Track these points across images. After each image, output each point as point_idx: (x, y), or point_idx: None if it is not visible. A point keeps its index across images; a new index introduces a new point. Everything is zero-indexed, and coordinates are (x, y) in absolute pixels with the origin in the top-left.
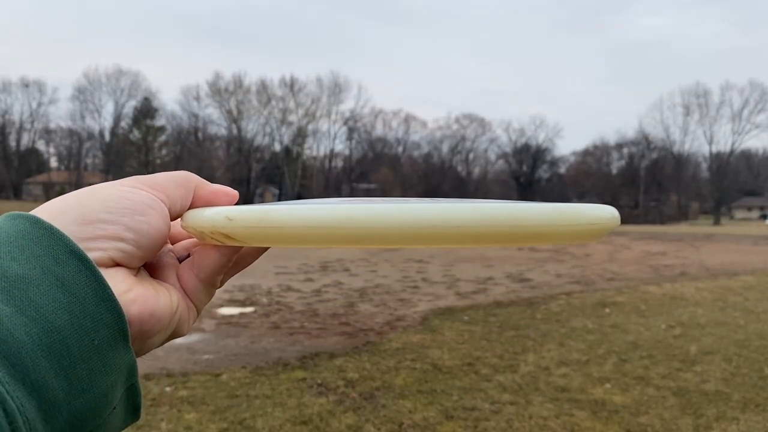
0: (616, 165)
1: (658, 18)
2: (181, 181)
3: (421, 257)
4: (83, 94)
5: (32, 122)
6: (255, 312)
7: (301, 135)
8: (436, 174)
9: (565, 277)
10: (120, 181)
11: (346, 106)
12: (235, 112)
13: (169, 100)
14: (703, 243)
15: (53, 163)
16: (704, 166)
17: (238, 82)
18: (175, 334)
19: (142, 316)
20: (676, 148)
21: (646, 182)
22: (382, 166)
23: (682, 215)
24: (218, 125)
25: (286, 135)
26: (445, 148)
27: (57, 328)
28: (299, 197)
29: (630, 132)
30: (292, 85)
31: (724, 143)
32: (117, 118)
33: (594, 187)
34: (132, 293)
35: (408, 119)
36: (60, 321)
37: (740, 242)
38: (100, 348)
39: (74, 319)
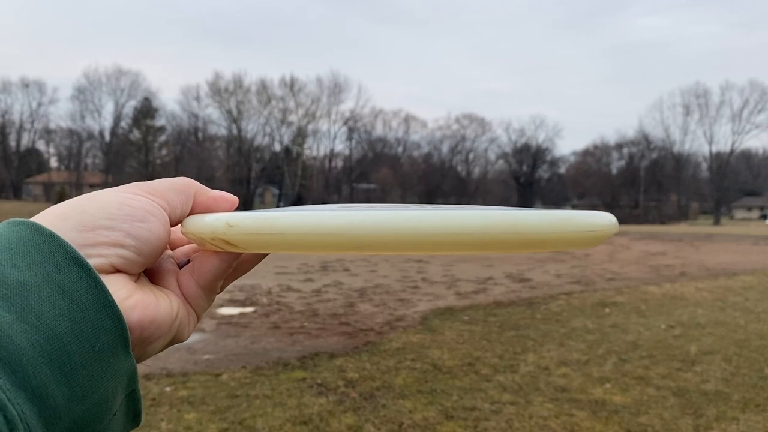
0: (616, 165)
1: (657, 18)
2: (181, 187)
3: (421, 257)
4: (83, 94)
5: (32, 122)
6: (255, 312)
7: (301, 135)
8: (436, 174)
9: (565, 277)
10: (120, 188)
11: (346, 106)
12: (235, 112)
13: (169, 100)
14: (703, 243)
15: (53, 163)
16: (704, 166)
17: (238, 82)
18: (175, 340)
19: (142, 323)
20: (676, 148)
21: (646, 182)
22: (382, 166)
23: (682, 215)
24: (218, 125)
25: (286, 135)
26: (445, 148)
27: (58, 335)
28: (299, 197)
29: (630, 132)
30: (292, 85)
31: (724, 143)
32: (117, 118)
33: (594, 187)
34: (132, 299)
35: (408, 119)
36: (61, 328)
37: (740, 242)
38: (100, 354)
39: (75, 326)
